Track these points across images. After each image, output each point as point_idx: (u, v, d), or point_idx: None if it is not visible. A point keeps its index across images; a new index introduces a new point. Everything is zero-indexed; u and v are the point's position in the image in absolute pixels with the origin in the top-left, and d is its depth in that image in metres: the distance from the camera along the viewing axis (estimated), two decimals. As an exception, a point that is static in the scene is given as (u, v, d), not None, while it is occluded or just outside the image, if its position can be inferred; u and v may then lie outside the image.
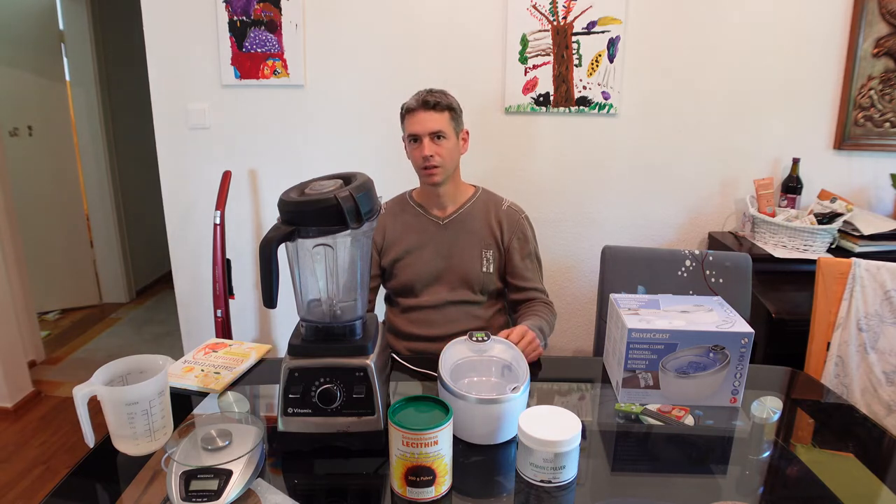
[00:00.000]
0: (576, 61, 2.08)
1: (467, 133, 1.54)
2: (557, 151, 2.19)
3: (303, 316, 0.99)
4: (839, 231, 1.95)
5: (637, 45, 2.06)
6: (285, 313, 2.26)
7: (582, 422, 0.86)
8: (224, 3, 2.09)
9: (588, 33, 2.05)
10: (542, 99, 2.12)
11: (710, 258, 1.61)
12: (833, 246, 1.95)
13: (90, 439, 0.92)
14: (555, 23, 2.05)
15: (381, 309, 1.67)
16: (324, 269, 0.97)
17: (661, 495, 0.87)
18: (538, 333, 1.31)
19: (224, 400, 1.12)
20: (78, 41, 3.35)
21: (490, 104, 2.15)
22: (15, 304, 2.58)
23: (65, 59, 3.37)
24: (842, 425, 1.11)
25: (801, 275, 1.83)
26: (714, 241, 2.15)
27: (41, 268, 3.35)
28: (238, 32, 2.11)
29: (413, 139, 1.46)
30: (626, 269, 1.64)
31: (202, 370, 1.19)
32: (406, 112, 1.47)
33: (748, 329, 1.06)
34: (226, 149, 2.25)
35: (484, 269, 1.51)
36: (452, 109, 1.47)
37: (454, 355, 1.09)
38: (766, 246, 1.97)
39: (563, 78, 2.10)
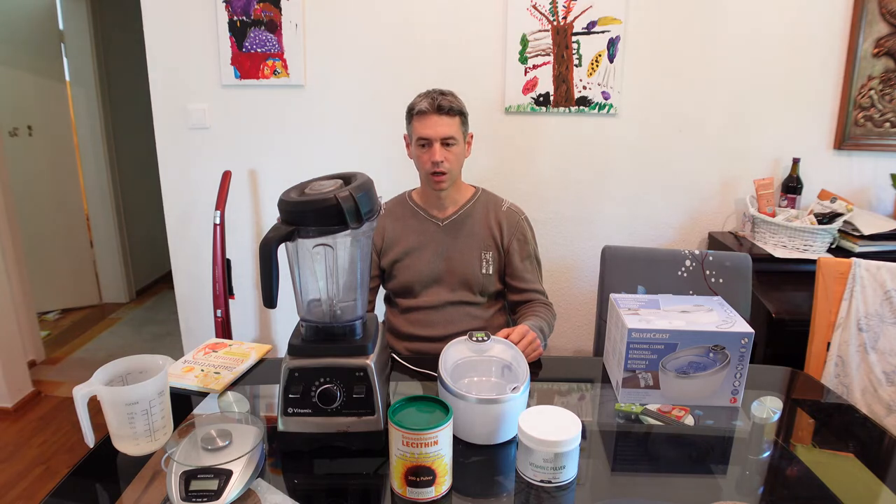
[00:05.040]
0: (576, 61, 2.08)
1: (472, 136, 1.53)
2: (557, 151, 2.19)
3: (303, 316, 0.99)
4: (839, 231, 1.95)
5: (637, 45, 2.06)
6: (285, 313, 2.26)
7: (582, 422, 0.86)
8: (224, 3, 2.09)
9: (588, 33, 2.05)
10: (542, 99, 2.12)
11: (710, 258, 1.61)
12: (833, 246, 1.95)
13: (90, 439, 0.92)
14: (555, 23, 2.05)
15: (380, 309, 1.67)
16: (324, 269, 0.97)
17: (661, 495, 0.87)
18: (538, 333, 1.30)
19: (224, 400, 1.12)
20: (78, 41, 3.35)
21: (490, 104, 2.15)
22: (15, 304, 2.58)
23: (65, 59, 3.37)
24: (842, 425, 1.11)
25: (801, 275, 1.83)
26: (714, 241, 2.15)
27: (41, 268, 3.35)
28: (238, 32, 2.11)
29: (422, 143, 1.43)
30: (626, 269, 1.64)
31: (202, 370, 1.19)
32: (416, 114, 1.42)
33: (748, 329, 1.06)
34: (226, 149, 2.25)
35: (483, 271, 1.50)
36: (463, 114, 1.44)
37: (454, 355, 1.09)
38: (766, 246, 1.97)
39: (563, 78, 2.09)
